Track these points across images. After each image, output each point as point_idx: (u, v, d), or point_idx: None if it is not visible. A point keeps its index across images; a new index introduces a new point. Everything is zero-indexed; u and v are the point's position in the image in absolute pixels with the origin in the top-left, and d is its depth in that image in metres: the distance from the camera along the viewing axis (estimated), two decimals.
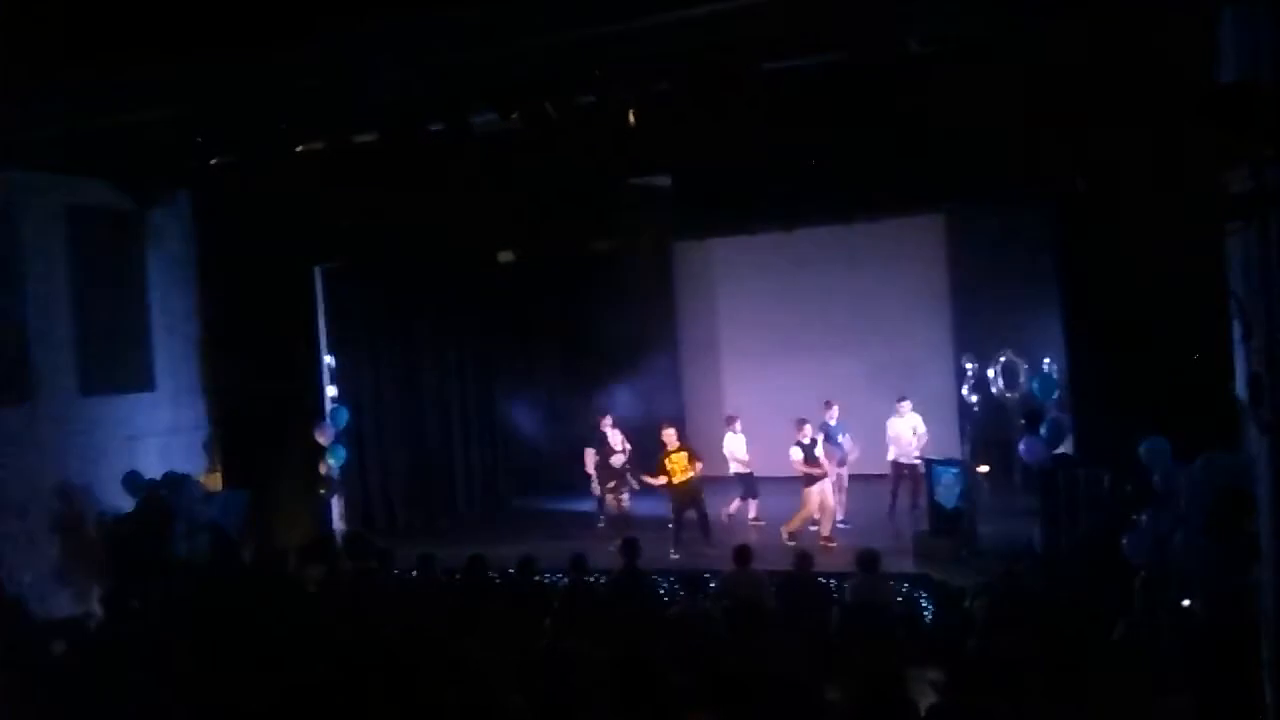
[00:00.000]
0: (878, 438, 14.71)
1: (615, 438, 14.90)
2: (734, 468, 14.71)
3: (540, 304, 18.37)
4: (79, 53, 9.37)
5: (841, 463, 14.25)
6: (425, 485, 17.17)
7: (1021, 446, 12.18)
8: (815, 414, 14.20)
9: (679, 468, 13.80)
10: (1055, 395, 13.58)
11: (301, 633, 8.68)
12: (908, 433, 14.65)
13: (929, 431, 14.76)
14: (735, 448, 14.73)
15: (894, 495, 14.76)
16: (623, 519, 14.49)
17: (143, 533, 12.49)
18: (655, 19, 8.65)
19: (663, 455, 13.95)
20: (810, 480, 13.54)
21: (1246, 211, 6.45)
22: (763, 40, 9.39)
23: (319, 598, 10.88)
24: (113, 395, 13.41)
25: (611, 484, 14.78)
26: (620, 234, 13.71)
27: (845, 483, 14.50)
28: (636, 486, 14.70)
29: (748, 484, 14.68)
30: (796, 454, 13.55)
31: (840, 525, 14.02)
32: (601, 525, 15.00)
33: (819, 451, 13.65)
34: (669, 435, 14.21)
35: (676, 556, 13.12)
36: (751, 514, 14.64)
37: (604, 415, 15.31)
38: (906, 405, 14.74)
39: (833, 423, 14.30)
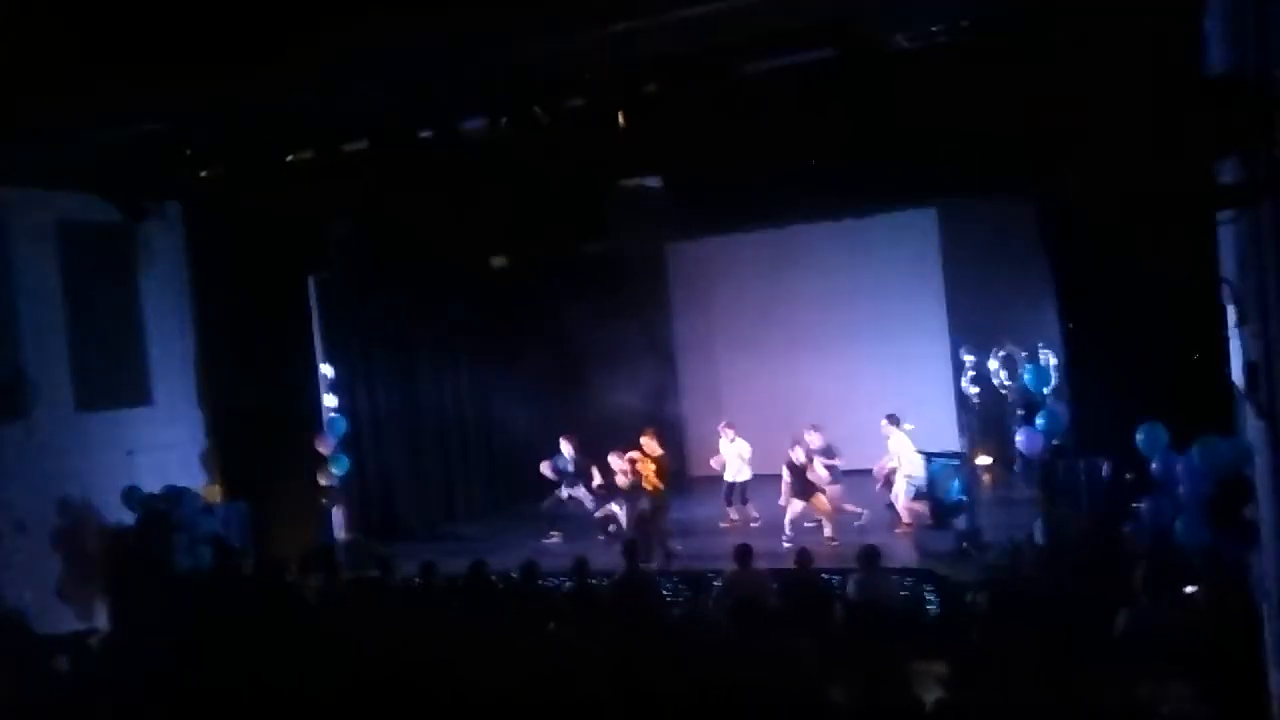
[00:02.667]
0: (876, 435, 14.58)
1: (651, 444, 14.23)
2: (731, 473, 14.57)
3: (534, 308, 18.26)
4: (66, 70, 9.37)
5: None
6: (425, 492, 17.14)
7: (1019, 438, 12.19)
8: (814, 414, 14.04)
9: (648, 477, 13.44)
10: (1050, 386, 13.56)
11: (303, 642, 8.67)
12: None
13: (928, 424, 14.59)
14: (730, 454, 14.58)
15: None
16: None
17: (144, 547, 12.49)
18: (643, 21, 8.66)
19: (639, 461, 13.53)
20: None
21: (1238, 201, 6.47)
22: (750, 40, 9.39)
23: (320, 607, 10.86)
24: (109, 410, 13.42)
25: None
26: (612, 236, 13.69)
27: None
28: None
29: (741, 490, 14.57)
30: (799, 456, 13.47)
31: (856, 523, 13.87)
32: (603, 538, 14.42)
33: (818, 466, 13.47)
34: (648, 442, 13.72)
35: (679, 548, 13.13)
36: (751, 515, 14.58)
37: (568, 436, 15.05)
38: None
39: (813, 445, 13.84)
